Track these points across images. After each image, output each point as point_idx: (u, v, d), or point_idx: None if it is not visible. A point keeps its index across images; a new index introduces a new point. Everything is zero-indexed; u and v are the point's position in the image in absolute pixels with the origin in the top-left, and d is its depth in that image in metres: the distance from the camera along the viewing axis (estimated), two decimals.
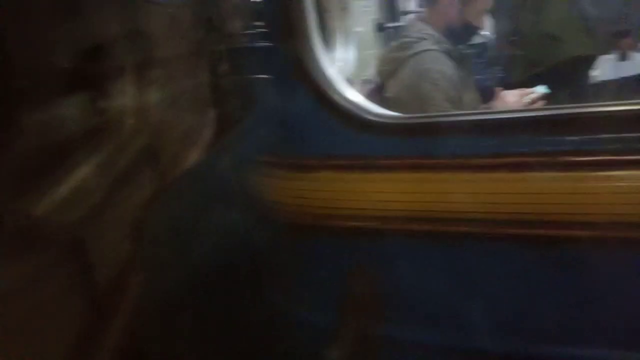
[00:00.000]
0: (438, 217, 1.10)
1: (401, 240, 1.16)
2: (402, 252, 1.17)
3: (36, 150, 1.18)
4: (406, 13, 3.37)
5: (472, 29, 2.09)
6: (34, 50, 1.21)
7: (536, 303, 1.05)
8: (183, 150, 1.47)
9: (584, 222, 0.97)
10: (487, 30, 2.88)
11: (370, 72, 2.33)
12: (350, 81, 2.55)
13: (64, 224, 1.09)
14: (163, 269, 1.31)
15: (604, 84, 3.01)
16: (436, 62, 1.89)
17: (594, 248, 0.99)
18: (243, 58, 1.43)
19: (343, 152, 1.19)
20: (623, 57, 3.05)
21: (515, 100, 1.94)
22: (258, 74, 1.37)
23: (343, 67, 2.47)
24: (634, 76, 3.00)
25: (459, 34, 2.03)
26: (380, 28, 3.12)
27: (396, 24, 3.21)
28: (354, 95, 1.21)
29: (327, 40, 2.60)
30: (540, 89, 1.94)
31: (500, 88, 2.04)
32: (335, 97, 1.19)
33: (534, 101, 1.91)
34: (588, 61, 2.78)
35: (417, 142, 1.13)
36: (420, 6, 2.86)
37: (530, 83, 2.07)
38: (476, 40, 2.68)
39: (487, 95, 2.10)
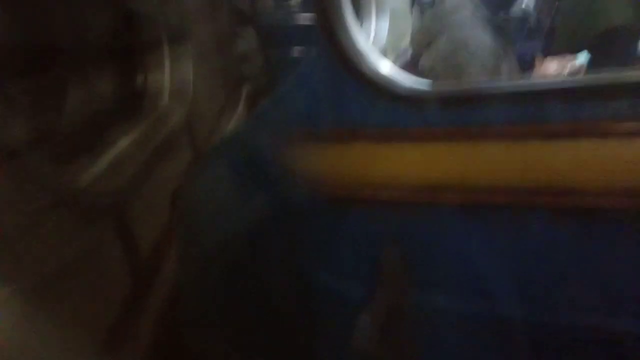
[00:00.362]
0: (472, 187, 1.08)
1: (434, 211, 1.16)
2: (435, 222, 1.16)
3: (78, 125, 1.24)
4: None
5: None
6: (76, 29, 1.26)
7: (569, 273, 1.03)
8: (218, 123, 1.50)
9: (622, 192, 0.93)
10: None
11: (406, 43, 2.29)
12: (385, 52, 2.52)
13: (105, 195, 1.14)
14: (200, 238, 1.35)
15: None
16: (473, 32, 1.83)
17: (633, 219, 0.95)
18: (276, 32, 1.43)
19: (376, 124, 1.18)
20: None
21: (555, 69, 1.87)
22: (291, 48, 1.37)
23: (377, 38, 2.44)
24: None
25: (498, 2, 1.96)
26: None
27: None
28: (387, 66, 1.19)
29: (361, 11, 2.57)
30: (582, 59, 1.86)
31: (541, 57, 1.97)
32: (368, 69, 1.18)
33: (574, 70, 1.84)
34: (631, 32, 2.64)
35: (450, 112, 1.11)
36: None
37: (572, 52, 1.99)
38: (516, 9, 2.58)
39: (527, 64, 2.03)
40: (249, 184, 1.34)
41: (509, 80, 1.71)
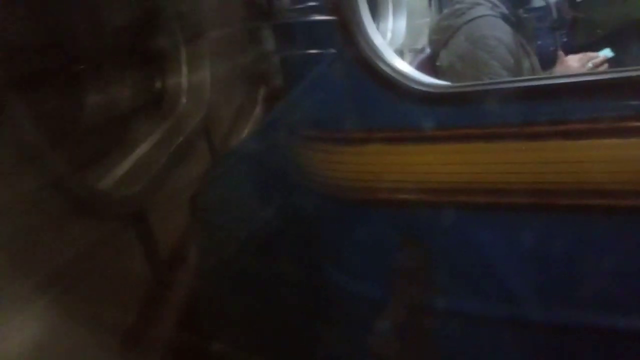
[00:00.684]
0: (490, 188, 1.07)
1: (452, 211, 1.15)
2: (454, 223, 1.15)
3: (99, 128, 1.26)
4: None
5: None
6: (96, 32, 1.28)
7: (588, 273, 1.02)
8: (235, 126, 1.51)
9: None
10: None
11: (423, 41, 2.27)
12: (401, 51, 2.50)
13: (126, 198, 1.16)
14: (218, 240, 1.36)
15: None
16: (492, 29, 1.80)
17: None
18: (292, 33, 1.43)
19: (391, 124, 1.18)
20: None
21: (578, 65, 1.83)
22: (306, 49, 1.37)
23: (394, 37, 2.42)
24: None
25: None
26: None
27: None
28: (403, 66, 1.19)
29: (378, 10, 2.56)
30: (606, 53, 1.81)
31: (562, 53, 1.93)
32: (385, 69, 1.17)
33: (597, 65, 1.79)
34: None
35: (467, 112, 1.10)
36: None
37: (595, 47, 1.94)
38: (537, 3, 2.54)
39: (548, 60, 1.99)
40: (266, 186, 1.35)
41: (528, 78, 1.68)
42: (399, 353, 1.24)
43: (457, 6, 1.93)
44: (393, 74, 1.16)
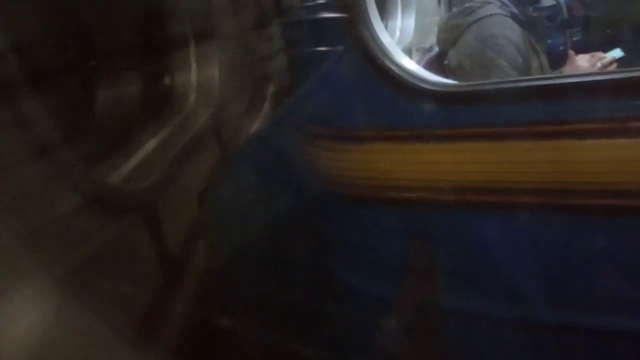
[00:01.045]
0: (498, 187, 1.07)
1: (460, 210, 1.15)
2: (461, 222, 1.15)
3: (108, 124, 1.27)
4: None
5: None
6: (106, 27, 1.29)
7: (593, 274, 1.01)
8: (243, 123, 1.51)
9: None
10: None
11: (431, 40, 2.26)
12: (409, 50, 2.49)
13: (135, 193, 1.17)
14: (227, 238, 1.37)
15: None
16: (501, 28, 1.79)
17: None
18: (300, 31, 1.43)
19: (399, 123, 1.18)
20: None
21: (587, 65, 1.82)
22: (315, 47, 1.38)
23: (402, 35, 2.42)
24: None
25: None
26: None
27: None
28: (411, 65, 1.19)
29: (386, 8, 2.55)
30: (616, 53, 1.80)
31: (572, 52, 1.91)
32: (392, 67, 1.17)
33: (606, 65, 1.78)
34: None
35: (474, 111, 1.10)
36: None
37: (605, 46, 1.93)
38: (547, 2, 2.52)
39: (558, 59, 1.97)
40: (275, 183, 1.35)
41: (537, 78, 1.67)
42: (406, 351, 1.24)
43: (467, 5, 1.93)
44: (401, 73, 1.16)
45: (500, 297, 1.11)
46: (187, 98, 1.48)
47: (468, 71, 1.78)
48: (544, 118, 1.02)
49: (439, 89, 1.13)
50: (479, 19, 1.82)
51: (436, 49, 2.08)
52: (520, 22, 1.83)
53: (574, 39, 2.66)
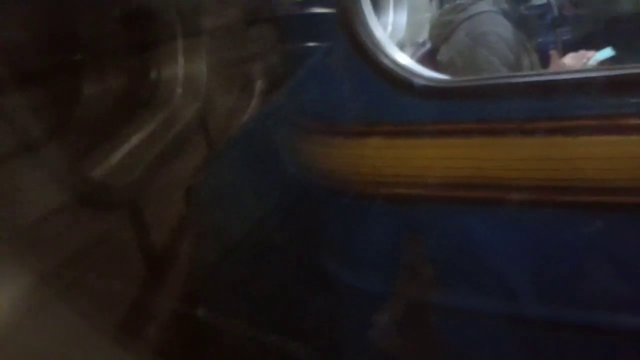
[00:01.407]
0: (489, 183, 1.06)
1: (452, 206, 1.14)
2: (454, 218, 1.14)
3: (94, 118, 1.24)
4: None
5: None
6: (92, 23, 1.26)
7: (588, 271, 1.01)
8: (232, 117, 1.50)
9: None
10: None
11: (424, 36, 2.25)
12: (402, 45, 2.48)
13: (120, 187, 1.14)
14: (215, 232, 1.35)
15: None
16: (493, 25, 1.79)
17: None
18: (292, 24, 1.42)
19: (392, 118, 1.17)
20: None
21: (572, 62, 1.82)
22: (307, 41, 1.36)
23: (394, 30, 2.41)
24: None
25: None
26: None
27: None
28: (404, 59, 1.17)
29: (379, 4, 2.54)
30: (607, 52, 1.80)
31: (554, 53, 1.92)
32: (385, 62, 1.16)
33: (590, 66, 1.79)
34: None
35: (468, 106, 1.09)
36: None
37: (596, 44, 1.94)
38: (538, 0, 2.53)
39: (548, 58, 1.98)
40: (264, 178, 1.33)
41: (529, 74, 1.67)
42: (399, 347, 1.24)
43: (458, 1, 1.92)
44: (394, 67, 1.15)
45: (492, 293, 1.11)
46: (173, 92, 1.45)
47: (460, 68, 1.78)
48: (537, 114, 1.01)
49: (432, 84, 1.12)
50: (471, 16, 1.82)
51: (428, 45, 2.07)
52: (511, 20, 1.83)
53: (565, 37, 2.68)
